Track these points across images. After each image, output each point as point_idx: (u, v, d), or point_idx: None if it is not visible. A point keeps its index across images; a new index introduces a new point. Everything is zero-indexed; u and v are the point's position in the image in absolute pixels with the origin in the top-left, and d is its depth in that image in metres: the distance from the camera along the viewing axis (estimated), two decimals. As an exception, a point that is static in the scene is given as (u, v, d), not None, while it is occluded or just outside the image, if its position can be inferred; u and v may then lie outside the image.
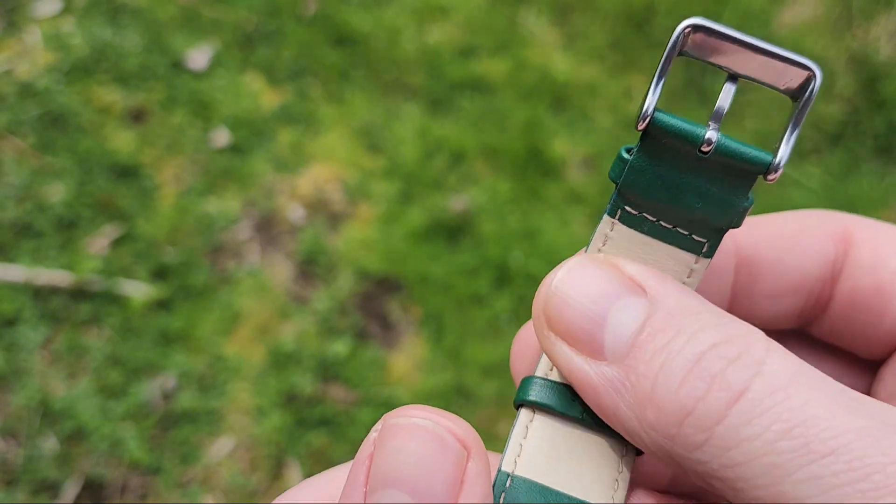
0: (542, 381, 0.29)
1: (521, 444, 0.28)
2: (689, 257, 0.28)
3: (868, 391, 0.33)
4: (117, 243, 1.45)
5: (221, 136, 1.59)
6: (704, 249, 0.28)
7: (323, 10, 1.81)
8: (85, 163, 1.52)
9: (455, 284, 1.46)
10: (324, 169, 1.58)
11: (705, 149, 0.26)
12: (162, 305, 1.39)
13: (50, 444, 1.25)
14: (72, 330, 1.35)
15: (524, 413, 0.29)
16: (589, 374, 0.25)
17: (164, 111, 1.62)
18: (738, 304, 0.33)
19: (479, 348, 1.40)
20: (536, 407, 0.29)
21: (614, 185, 0.28)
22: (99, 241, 1.45)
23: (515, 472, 0.28)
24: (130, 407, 1.29)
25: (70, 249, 1.43)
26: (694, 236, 0.28)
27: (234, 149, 1.58)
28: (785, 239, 0.32)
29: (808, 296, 0.33)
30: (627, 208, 0.28)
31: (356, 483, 0.24)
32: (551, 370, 0.29)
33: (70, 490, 1.22)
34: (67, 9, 1.73)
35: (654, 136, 0.27)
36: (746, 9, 1.91)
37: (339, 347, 1.37)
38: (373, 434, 0.25)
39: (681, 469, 0.24)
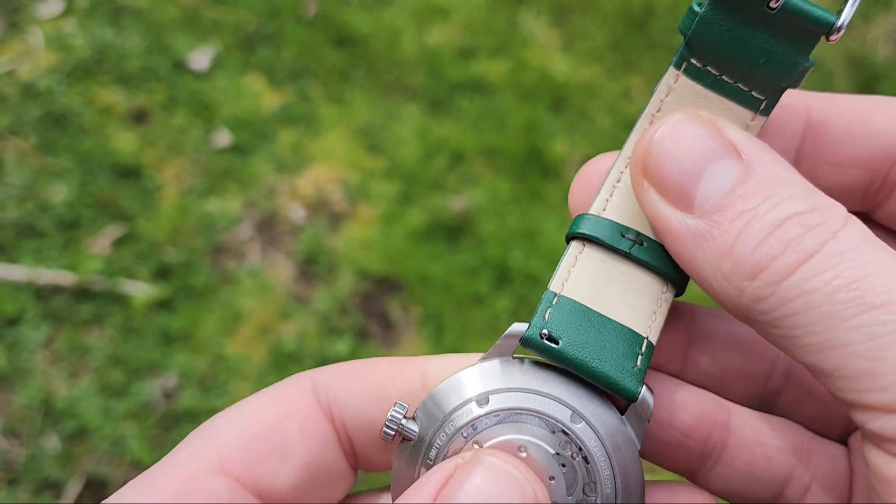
0: (595, 218, 0.31)
1: (569, 271, 0.31)
2: (746, 113, 0.30)
3: None
4: (119, 243, 1.45)
5: (222, 137, 1.60)
6: (762, 107, 0.30)
7: (323, 11, 1.81)
8: (86, 163, 1.53)
9: (455, 284, 1.46)
10: (324, 169, 1.59)
11: (773, 4, 0.27)
12: (163, 305, 1.40)
13: (52, 443, 1.25)
14: (73, 330, 1.35)
15: (575, 245, 0.32)
16: (673, 222, 0.28)
17: (166, 112, 1.62)
18: (800, 169, 0.33)
19: (479, 348, 1.40)
20: (587, 240, 0.31)
21: (683, 38, 0.30)
22: (100, 242, 1.45)
23: (562, 293, 0.31)
24: (132, 406, 1.30)
25: (72, 249, 1.43)
26: (753, 93, 0.30)
27: (235, 149, 1.59)
28: (859, 112, 0.33)
29: (875, 173, 0.33)
30: (693, 60, 0.30)
31: (422, 494, 0.26)
32: (604, 210, 0.32)
33: (72, 489, 1.22)
34: (69, 10, 1.73)
35: None
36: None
37: (340, 347, 1.38)
38: (458, 459, 0.27)
39: (741, 319, 0.27)
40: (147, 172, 1.54)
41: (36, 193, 1.48)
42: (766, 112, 0.30)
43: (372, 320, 1.44)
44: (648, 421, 0.30)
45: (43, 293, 1.38)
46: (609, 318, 0.30)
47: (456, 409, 0.30)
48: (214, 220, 1.49)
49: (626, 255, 0.31)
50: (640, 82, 1.80)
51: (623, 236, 0.31)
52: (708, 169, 0.27)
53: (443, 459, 0.29)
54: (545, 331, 0.30)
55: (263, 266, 1.46)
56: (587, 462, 0.30)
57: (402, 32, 1.80)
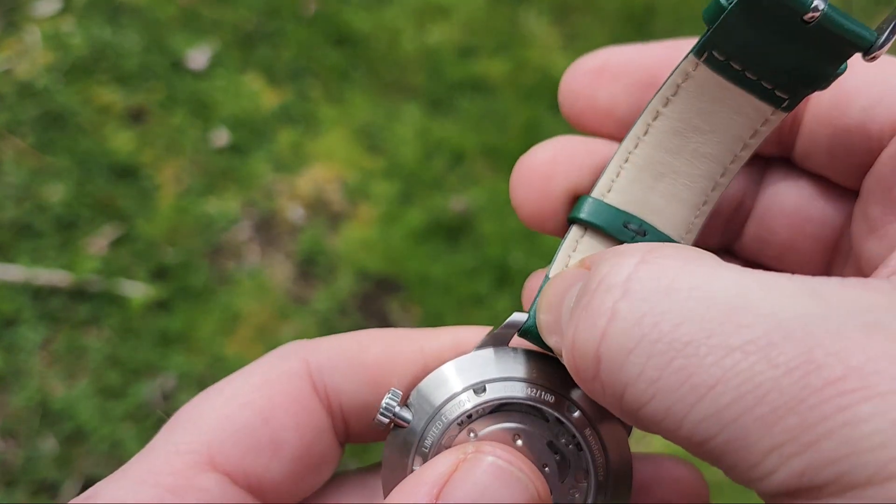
0: (598, 203, 0.31)
1: (569, 257, 0.31)
2: (766, 108, 0.29)
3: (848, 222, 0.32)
4: (117, 243, 1.45)
5: (221, 137, 1.59)
6: (784, 105, 0.29)
7: (323, 10, 1.81)
8: (84, 163, 1.52)
9: (455, 285, 1.46)
10: (324, 169, 1.58)
11: (809, 17, 0.25)
12: (161, 306, 1.39)
13: (49, 444, 1.25)
14: (71, 330, 1.35)
15: (575, 230, 0.31)
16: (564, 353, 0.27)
17: (164, 111, 1.62)
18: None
19: (479, 349, 1.40)
20: (588, 226, 0.31)
21: (706, 27, 0.28)
22: (98, 242, 1.45)
23: None
24: (130, 407, 1.29)
25: (69, 249, 1.43)
26: (776, 92, 0.28)
27: (234, 149, 1.58)
28: None
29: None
30: (715, 53, 0.28)
31: (422, 490, 0.25)
32: (608, 192, 0.31)
33: (69, 490, 1.22)
34: (67, 8, 1.73)
35: None
36: (747, 9, 1.91)
37: (339, 348, 1.38)
38: (460, 454, 0.26)
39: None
40: (145, 172, 1.53)
41: (33, 193, 1.47)
42: (788, 109, 0.29)
43: (372, 321, 1.43)
44: None
45: (40, 293, 1.37)
46: None
47: (452, 397, 0.30)
48: (213, 220, 1.49)
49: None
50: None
51: (625, 226, 0.30)
52: (563, 303, 0.27)
53: (438, 449, 0.29)
54: None
55: (262, 266, 1.45)
56: (580, 450, 0.30)
57: (402, 32, 1.80)
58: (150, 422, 1.28)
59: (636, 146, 0.31)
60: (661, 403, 0.21)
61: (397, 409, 0.30)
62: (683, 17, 1.90)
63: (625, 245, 0.27)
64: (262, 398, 0.29)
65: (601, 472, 0.30)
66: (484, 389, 0.30)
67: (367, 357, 0.30)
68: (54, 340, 1.34)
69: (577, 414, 0.30)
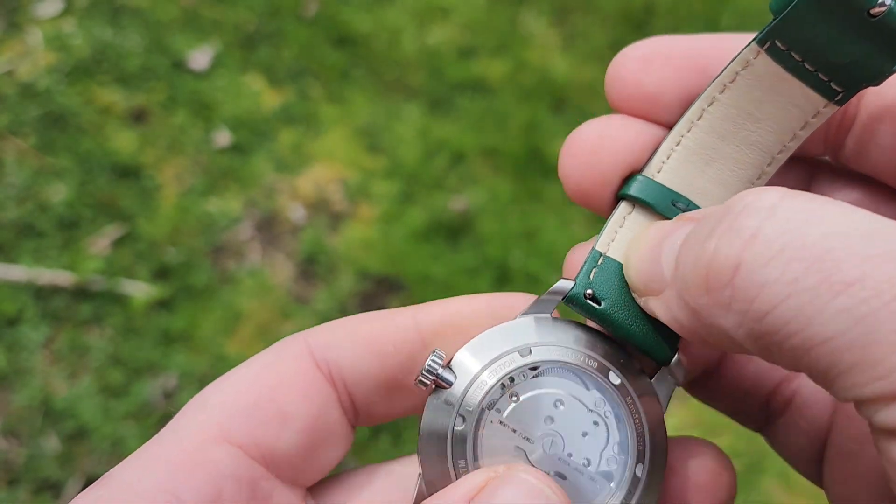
0: (647, 181, 0.32)
1: (616, 232, 0.32)
2: (819, 101, 0.30)
3: None
4: (118, 243, 1.45)
5: (222, 137, 1.60)
6: (837, 98, 0.30)
7: (323, 10, 1.81)
8: (86, 163, 1.53)
9: (455, 284, 1.46)
10: (324, 169, 1.59)
11: (875, 11, 0.27)
12: (163, 305, 1.39)
13: (52, 443, 1.25)
14: (73, 329, 1.35)
15: (624, 205, 0.32)
16: (662, 307, 0.28)
17: (165, 111, 1.62)
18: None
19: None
20: (637, 202, 0.32)
21: (773, 17, 0.29)
22: (100, 241, 1.45)
23: (608, 254, 0.32)
24: (132, 406, 1.30)
25: (71, 249, 1.43)
26: (832, 84, 0.29)
27: (235, 149, 1.59)
28: None
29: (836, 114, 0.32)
30: (778, 42, 0.29)
31: (456, 499, 0.26)
32: (658, 172, 0.32)
33: (72, 489, 1.22)
34: (68, 9, 1.73)
35: None
36: (745, 9, 1.91)
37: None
38: (490, 472, 0.27)
39: (734, 345, 0.25)
40: (147, 172, 1.54)
41: (35, 193, 1.48)
42: (840, 103, 0.30)
43: (372, 320, 1.43)
44: (677, 384, 0.32)
45: (42, 293, 1.38)
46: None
47: (496, 358, 0.31)
48: (214, 219, 1.49)
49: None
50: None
51: (674, 204, 0.32)
52: (662, 249, 0.28)
53: (480, 412, 0.30)
54: (590, 291, 0.31)
55: (263, 266, 1.46)
56: (619, 421, 0.30)
57: (402, 32, 1.80)
58: (151, 420, 1.29)
59: (689, 130, 0.32)
60: (794, 302, 0.22)
61: (440, 370, 0.30)
62: (682, 16, 1.90)
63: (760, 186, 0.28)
64: (267, 377, 0.30)
65: (640, 443, 0.30)
66: (529, 352, 0.31)
67: (362, 330, 0.31)
68: (57, 340, 1.35)
69: (618, 382, 0.31)
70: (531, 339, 0.31)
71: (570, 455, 0.30)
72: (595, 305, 0.31)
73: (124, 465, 0.27)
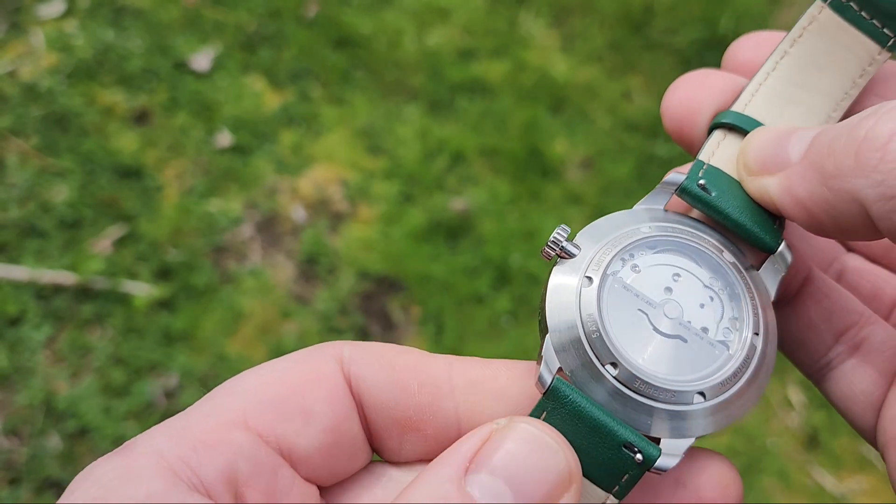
0: (737, 114, 0.36)
1: (713, 151, 0.35)
2: (874, 48, 0.35)
3: None
4: (120, 243, 1.46)
5: (223, 138, 1.60)
6: (889, 43, 0.35)
7: (324, 12, 1.82)
8: (88, 164, 1.53)
9: (455, 284, 1.46)
10: (325, 170, 1.59)
11: None
12: (164, 305, 1.40)
13: (53, 442, 1.26)
14: (75, 329, 1.36)
15: (717, 133, 0.36)
16: (781, 180, 0.31)
17: (167, 112, 1.62)
18: (857, 106, 0.37)
19: (479, 348, 1.41)
20: (729, 129, 0.36)
21: None
22: (102, 242, 1.45)
23: (710, 162, 0.35)
24: (133, 406, 1.30)
25: (73, 250, 1.43)
26: (885, 30, 0.35)
27: (236, 150, 1.59)
28: None
29: None
30: None
31: (459, 455, 0.26)
32: (745, 107, 0.36)
33: (74, 488, 1.22)
34: (71, 11, 1.73)
35: None
36: (744, 10, 1.92)
37: (341, 347, 1.38)
38: (493, 425, 0.27)
39: (863, 220, 0.27)
40: (148, 173, 1.54)
41: (37, 194, 1.48)
42: (893, 49, 0.34)
43: (372, 320, 1.44)
44: (783, 273, 0.34)
45: (44, 293, 1.38)
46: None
47: (617, 237, 0.33)
48: (215, 220, 1.50)
49: None
50: (640, 83, 1.80)
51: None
52: (792, 136, 0.31)
53: (604, 276, 0.31)
54: (702, 181, 0.34)
55: (264, 266, 1.46)
56: (733, 298, 0.32)
57: (402, 33, 1.81)
58: (153, 420, 1.29)
59: (766, 78, 0.37)
60: None
61: (564, 242, 0.32)
62: (681, 18, 1.90)
63: None
64: (295, 374, 0.30)
65: (755, 317, 0.32)
66: (649, 227, 0.33)
67: (396, 359, 0.31)
68: (58, 339, 1.35)
69: (731, 261, 0.33)
70: (649, 222, 0.34)
71: (689, 322, 0.31)
72: (707, 194, 0.34)
73: (150, 434, 0.28)
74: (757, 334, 0.31)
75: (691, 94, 0.38)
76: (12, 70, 1.63)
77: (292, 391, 0.29)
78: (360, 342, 0.32)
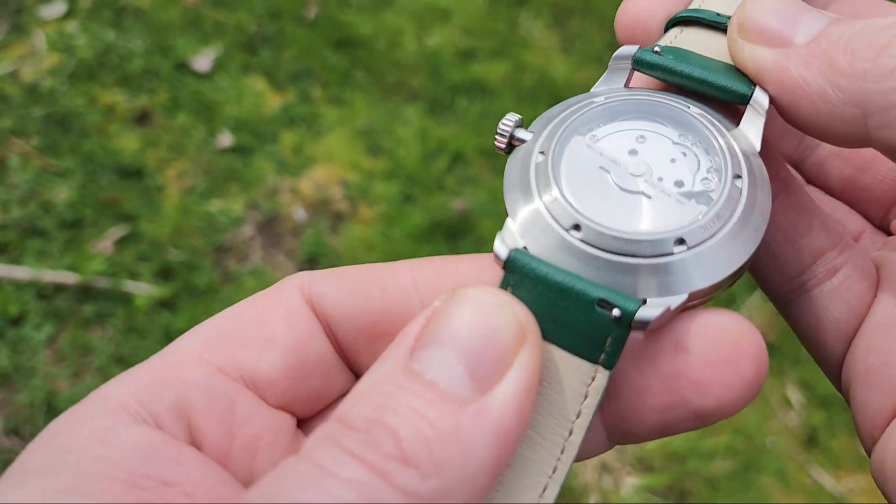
0: (694, 9, 0.33)
1: (670, 42, 0.33)
2: None
3: None
4: (121, 243, 1.46)
5: (224, 138, 1.60)
6: None
7: (324, 12, 1.82)
8: (89, 164, 1.53)
9: (455, 284, 1.47)
10: (325, 170, 1.60)
11: None
12: (166, 305, 1.40)
13: (55, 441, 1.26)
14: (76, 329, 1.36)
15: (672, 30, 0.33)
16: (777, 56, 0.29)
17: (168, 113, 1.63)
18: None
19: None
20: (685, 22, 0.33)
21: None
22: (103, 242, 1.46)
23: (666, 45, 0.32)
24: (135, 405, 1.30)
25: (75, 249, 1.44)
26: None
27: (237, 150, 1.60)
28: None
29: None
30: None
31: (404, 337, 0.24)
32: (702, 4, 0.33)
33: (75, 487, 1.23)
34: (72, 11, 1.74)
35: None
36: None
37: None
38: (436, 302, 0.25)
39: (858, 126, 0.26)
40: (149, 173, 1.54)
41: (39, 194, 1.49)
42: None
43: (373, 320, 1.44)
44: (764, 118, 0.30)
45: (46, 293, 1.38)
46: (715, 59, 0.32)
47: (571, 104, 0.30)
48: (216, 220, 1.50)
49: (726, 29, 0.32)
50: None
51: (718, 16, 0.33)
52: (802, 17, 0.29)
53: (558, 154, 0.29)
54: (657, 49, 0.31)
55: (265, 266, 1.46)
56: (709, 151, 0.29)
57: (402, 34, 1.81)
58: (154, 419, 1.29)
59: None
60: None
61: (514, 129, 0.30)
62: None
63: None
64: (254, 306, 0.29)
65: (735, 163, 0.29)
66: (604, 99, 0.30)
67: (357, 272, 0.30)
68: (59, 339, 1.35)
69: (698, 110, 0.30)
70: (606, 94, 0.31)
71: (660, 179, 0.28)
72: (665, 58, 0.31)
73: (107, 383, 0.27)
74: (739, 177, 0.28)
75: (644, 2, 0.36)
76: (14, 70, 1.64)
77: (251, 320, 0.29)
78: (319, 270, 0.31)
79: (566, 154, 0.29)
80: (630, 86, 0.32)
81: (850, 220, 0.37)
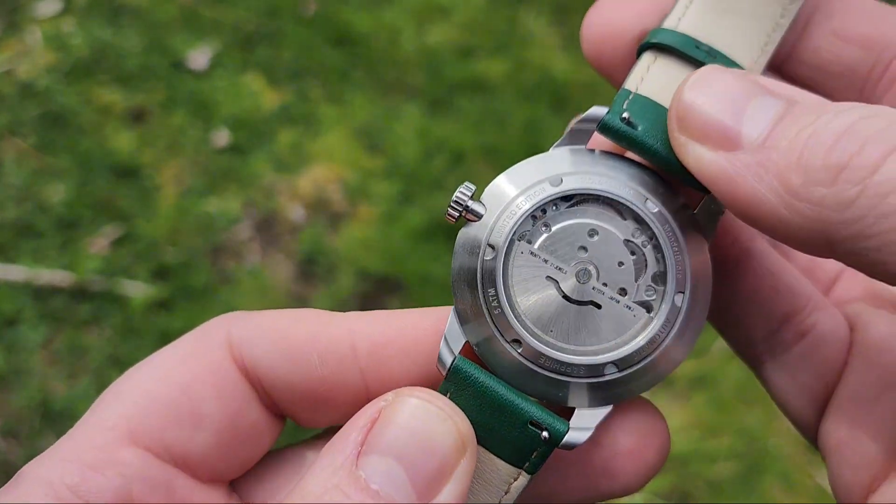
0: (668, 30, 0.32)
1: (642, 77, 0.31)
2: None
3: None
4: (117, 243, 1.45)
5: (222, 137, 1.60)
6: None
7: (323, 10, 1.81)
8: (85, 163, 1.53)
9: (455, 284, 1.46)
10: (324, 169, 1.59)
11: None
12: (162, 305, 1.40)
13: (50, 444, 1.25)
14: (72, 330, 1.35)
15: (647, 56, 0.32)
16: (724, 164, 0.26)
17: (165, 111, 1.62)
18: (807, 36, 0.32)
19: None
20: (660, 49, 0.32)
21: None
22: (99, 242, 1.45)
23: (637, 91, 0.31)
24: (131, 407, 1.30)
25: (70, 249, 1.43)
26: None
27: (235, 149, 1.59)
28: None
29: (878, 58, 0.32)
30: None
31: (349, 440, 0.25)
32: (678, 25, 0.32)
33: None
34: (68, 9, 1.73)
35: None
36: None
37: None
38: (381, 402, 0.26)
39: (821, 247, 0.24)
40: (146, 172, 1.54)
41: (34, 193, 1.48)
42: None
43: (372, 320, 1.43)
44: (721, 214, 0.31)
45: (41, 293, 1.38)
46: None
47: (527, 189, 0.30)
48: (214, 219, 1.50)
49: (701, 64, 0.31)
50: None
51: (697, 47, 0.32)
52: (749, 105, 0.26)
53: (510, 242, 0.29)
54: (626, 115, 0.30)
55: (263, 266, 1.46)
56: (657, 251, 0.29)
57: (401, 32, 1.80)
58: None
59: None
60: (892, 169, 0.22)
61: (469, 202, 0.30)
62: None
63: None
64: (181, 372, 0.28)
65: (680, 273, 0.29)
66: (560, 181, 0.30)
67: (291, 333, 0.29)
68: (55, 340, 1.35)
69: (656, 210, 0.30)
70: (564, 169, 0.30)
71: (604, 285, 0.29)
72: (632, 129, 0.30)
73: (38, 461, 0.27)
74: (682, 293, 0.29)
75: (614, 13, 0.34)
76: (9, 69, 1.63)
77: (180, 391, 0.28)
78: (250, 313, 0.30)
79: (515, 256, 0.29)
80: (590, 147, 0.32)
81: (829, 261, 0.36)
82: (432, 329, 0.30)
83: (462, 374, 0.28)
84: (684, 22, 0.32)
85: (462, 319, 0.29)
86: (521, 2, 1.89)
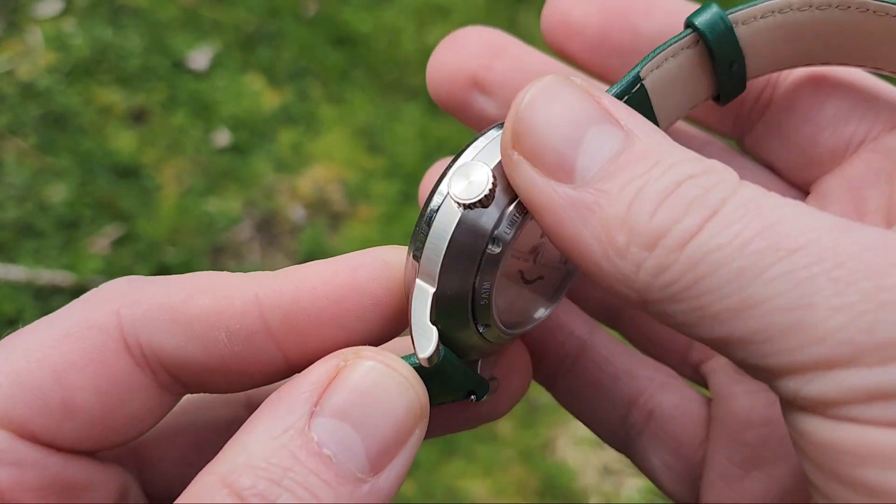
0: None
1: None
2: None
3: None
4: (118, 243, 1.45)
5: (222, 137, 1.60)
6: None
7: (323, 10, 1.82)
8: (86, 163, 1.53)
9: (455, 284, 1.46)
10: (324, 169, 1.59)
11: None
12: (163, 305, 1.39)
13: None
14: (73, 330, 1.35)
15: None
16: (553, 196, 0.24)
17: (165, 112, 1.62)
18: None
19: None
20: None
21: None
22: (100, 242, 1.45)
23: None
24: (132, 406, 1.30)
25: (71, 249, 1.43)
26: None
27: (235, 149, 1.59)
28: None
29: (748, 90, 0.32)
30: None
31: (300, 398, 0.23)
32: None
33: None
34: (69, 9, 1.73)
35: None
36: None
37: (340, 347, 1.38)
38: (338, 361, 0.24)
39: (634, 303, 0.24)
40: (146, 172, 1.54)
41: (35, 193, 1.48)
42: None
43: (372, 320, 1.43)
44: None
45: (42, 293, 1.38)
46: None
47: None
48: (214, 219, 1.50)
49: None
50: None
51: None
52: (587, 133, 0.24)
53: (512, 237, 0.26)
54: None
55: (263, 266, 1.46)
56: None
57: (402, 32, 1.80)
58: (151, 421, 1.29)
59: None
60: (738, 265, 0.22)
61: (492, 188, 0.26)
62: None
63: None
64: (58, 355, 0.26)
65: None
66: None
67: (192, 309, 0.26)
68: (56, 340, 1.35)
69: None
70: None
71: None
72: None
73: None
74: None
75: (455, 55, 0.34)
76: (10, 69, 1.63)
77: (53, 379, 0.25)
78: (143, 283, 0.27)
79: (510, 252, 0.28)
80: None
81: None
82: (350, 285, 0.27)
83: (438, 370, 0.26)
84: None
85: (436, 304, 0.26)
86: (521, 2, 1.90)
